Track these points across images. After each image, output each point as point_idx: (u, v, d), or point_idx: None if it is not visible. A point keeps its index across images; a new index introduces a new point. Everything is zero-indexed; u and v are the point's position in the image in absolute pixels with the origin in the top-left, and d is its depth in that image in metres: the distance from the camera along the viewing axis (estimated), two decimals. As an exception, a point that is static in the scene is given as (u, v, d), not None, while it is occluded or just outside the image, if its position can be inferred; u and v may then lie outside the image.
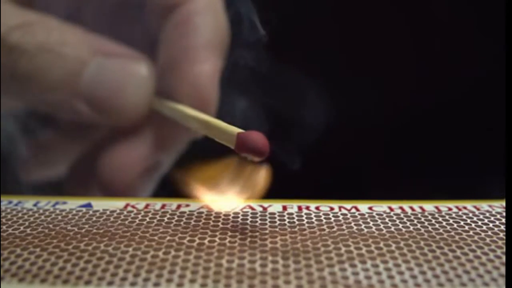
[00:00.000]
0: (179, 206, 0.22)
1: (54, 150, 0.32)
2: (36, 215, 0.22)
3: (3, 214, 0.22)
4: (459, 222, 0.21)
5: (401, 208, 0.22)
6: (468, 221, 0.21)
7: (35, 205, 0.23)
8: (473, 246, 0.19)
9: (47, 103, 0.27)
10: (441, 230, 0.20)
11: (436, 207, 0.22)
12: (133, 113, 0.27)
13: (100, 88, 0.27)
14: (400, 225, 0.21)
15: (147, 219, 0.21)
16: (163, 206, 0.22)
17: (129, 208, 0.22)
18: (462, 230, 0.20)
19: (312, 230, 0.20)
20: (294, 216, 0.22)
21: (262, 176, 0.22)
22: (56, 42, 0.26)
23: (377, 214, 0.22)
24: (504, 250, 0.19)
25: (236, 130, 0.20)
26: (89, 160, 0.30)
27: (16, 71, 0.26)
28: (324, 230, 0.20)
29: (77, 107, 0.27)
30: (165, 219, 0.21)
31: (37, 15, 0.27)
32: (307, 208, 0.22)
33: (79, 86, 0.26)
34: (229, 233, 0.20)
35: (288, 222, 0.21)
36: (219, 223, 0.21)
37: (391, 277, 0.17)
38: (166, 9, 0.28)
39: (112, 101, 0.27)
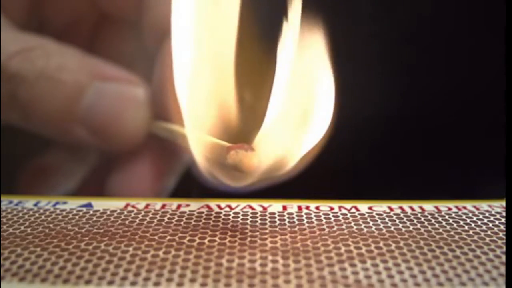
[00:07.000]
0: (179, 206, 0.23)
1: (56, 174, 0.32)
2: (37, 215, 0.22)
3: (3, 214, 0.22)
4: (459, 222, 0.21)
5: (401, 208, 0.22)
6: (468, 221, 0.21)
7: (35, 205, 0.23)
8: (473, 246, 0.19)
9: (47, 129, 0.27)
10: (441, 230, 0.20)
11: (436, 207, 0.23)
12: (131, 137, 0.27)
13: (98, 113, 0.26)
14: (400, 225, 0.21)
15: (147, 219, 0.21)
16: (163, 206, 0.22)
17: (129, 208, 0.22)
18: (462, 230, 0.20)
19: (312, 230, 0.20)
20: (294, 216, 0.22)
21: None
22: (55, 68, 0.26)
23: (377, 214, 0.22)
24: (503, 250, 0.19)
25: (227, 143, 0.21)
26: (90, 186, 0.30)
27: (15, 100, 0.26)
28: (324, 230, 0.20)
29: (76, 133, 0.27)
30: (165, 219, 0.21)
31: (36, 40, 0.26)
32: (307, 208, 0.22)
33: (78, 112, 0.26)
34: (229, 233, 0.20)
35: (288, 222, 0.21)
36: (219, 223, 0.21)
37: (390, 276, 0.17)
38: (166, 31, 0.28)
39: (110, 126, 0.27)
